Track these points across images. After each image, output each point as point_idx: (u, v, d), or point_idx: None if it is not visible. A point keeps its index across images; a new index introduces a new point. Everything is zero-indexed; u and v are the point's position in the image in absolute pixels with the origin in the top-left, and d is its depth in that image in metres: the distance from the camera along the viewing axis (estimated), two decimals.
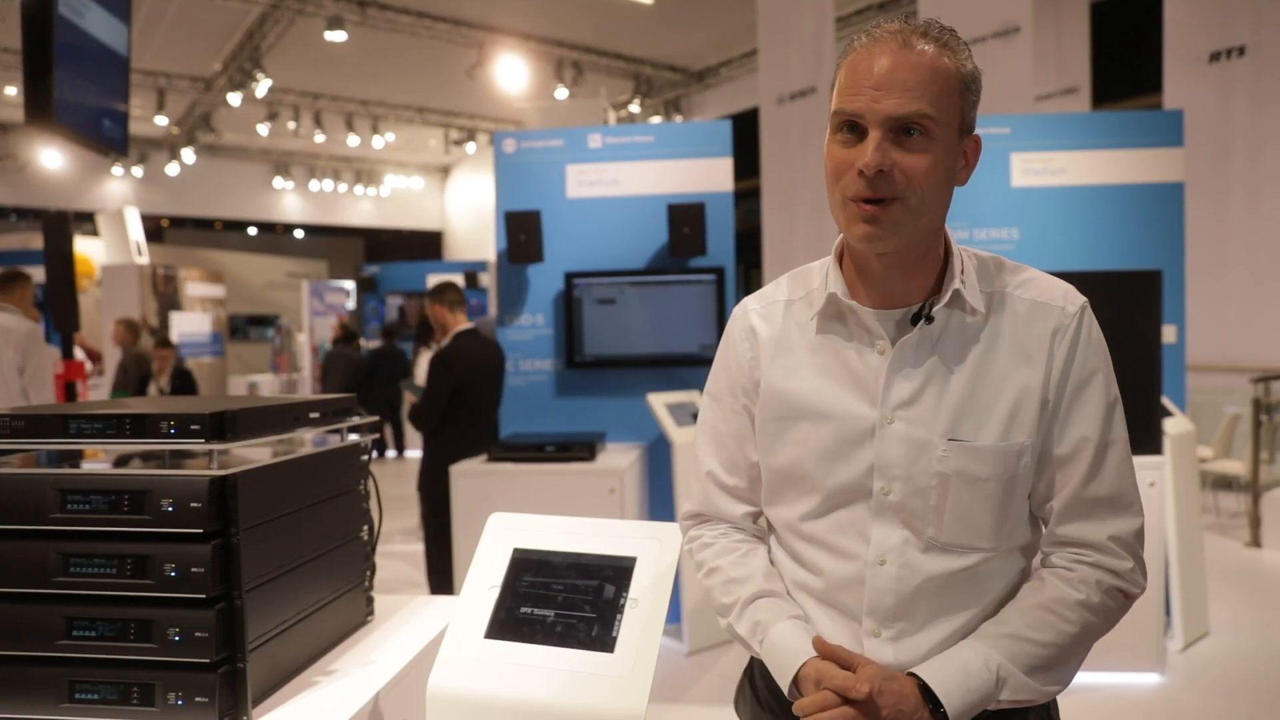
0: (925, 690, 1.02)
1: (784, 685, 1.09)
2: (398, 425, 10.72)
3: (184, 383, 7.65)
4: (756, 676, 1.25)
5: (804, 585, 1.16)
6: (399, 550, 6.03)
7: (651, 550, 1.28)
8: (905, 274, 1.11)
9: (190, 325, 10.85)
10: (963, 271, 1.11)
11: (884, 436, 1.09)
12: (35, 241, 10.43)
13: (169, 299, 10.58)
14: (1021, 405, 1.07)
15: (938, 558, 1.08)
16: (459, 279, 9.95)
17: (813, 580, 1.15)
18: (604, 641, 1.19)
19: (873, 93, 1.01)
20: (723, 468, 1.25)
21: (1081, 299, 1.12)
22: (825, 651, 1.07)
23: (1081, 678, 3.70)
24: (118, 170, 15.36)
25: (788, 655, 1.09)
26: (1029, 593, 1.10)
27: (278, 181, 17.36)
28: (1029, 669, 1.04)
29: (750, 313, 1.24)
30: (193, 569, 1.09)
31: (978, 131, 1.10)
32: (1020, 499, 1.10)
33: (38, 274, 6.25)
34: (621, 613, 1.21)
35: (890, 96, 1.01)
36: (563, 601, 1.24)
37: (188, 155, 15.05)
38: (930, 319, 1.09)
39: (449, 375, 4.06)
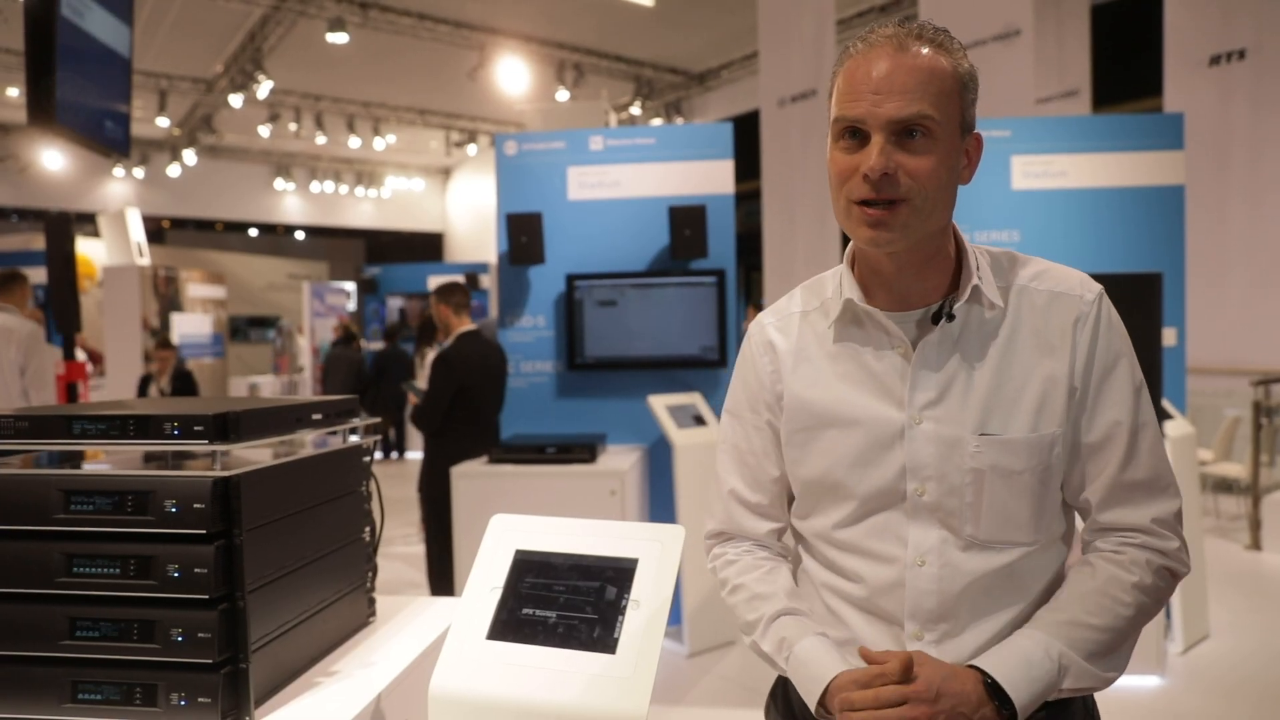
0: (989, 685, 0.99)
1: (811, 703, 1.08)
2: (401, 426, 10.73)
3: (184, 384, 7.65)
4: (791, 687, 1.24)
5: (843, 593, 1.15)
6: (399, 551, 6.03)
7: (653, 552, 1.29)
8: (917, 274, 1.11)
9: (191, 326, 10.85)
10: (978, 268, 1.11)
11: (913, 437, 1.09)
12: (37, 242, 10.45)
13: (170, 300, 10.58)
14: (1049, 395, 1.07)
15: (978, 555, 1.08)
16: (460, 281, 9.96)
17: (852, 588, 1.14)
18: (606, 643, 1.19)
19: (873, 97, 1.02)
20: (746, 485, 1.25)
21: (1098, 286, 1.12)
22: (869, 657, 1.05)
23: None
24: (119, 171, 15.38)
25: (815, 672, 1.08)
26: (1081, 578, 1.08)
27: (279, 183, 17.38)
28: (1089, 655, 1.02)
29: (766, 327, 1.24)
30: (196, 570, 1.09)
31: (978, 131, 1.11)
32: (1054, 490, 1.09)
33: (39, 275, 6.26)
34: (623, 614, 1.22)
35: (891, 100, 1.01)
36: (564, 603, 1.24)
37: (189, 156, 15.08)
38: (951, 317, 1.09)
39: (451, 376, 4.06)
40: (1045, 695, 1.01)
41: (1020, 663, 1.01)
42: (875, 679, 1.01)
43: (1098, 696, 1.13)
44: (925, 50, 1.03)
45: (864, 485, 1.11)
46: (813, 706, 1.08)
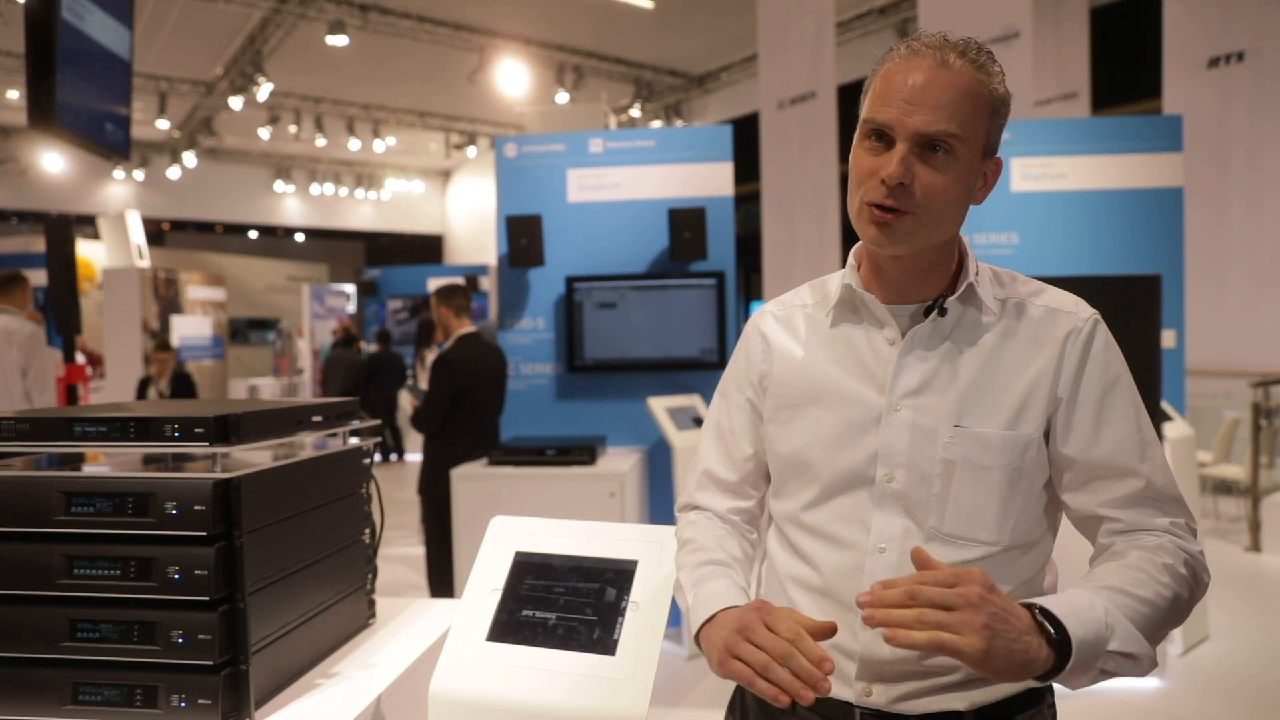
0: (1041, 613, 0.92)
1: (694, 626, 1.06)
2: (395, 430, 10.74)
3: (183, 386, 7.64)
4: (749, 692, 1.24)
5: (800, 579, 1.16)
6: (399, 553, 6.03)
7: (652, 553, 1.29)
8: (919, 276, 1.14)
9: (191, 328, 10.85)
10: (977, 274, 1.13)
11: (890, 424, 1.10)
12: (37, 245, 10.45)
13: (170, 302, 10.58)
14: (1031, 398, 1.08)
15: (939, 549, 1.08)
16: (461, 283, 9.97)
17: (809, 574, 1.15)
18: (605, 644, 1.19)
19: (905, 106, 1.04)
20: (720, 463, 1.27)
21: (1094, 310, 1.14)
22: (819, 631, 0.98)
23: None
24: (119, 174, 15.39)
25: (708, 598, 1.07)
26: (1113, 559, 1.04)
27: (279, 185, 17.39)
28: (1133, 622, 0.96)
29: (767, 314, 1.28)
30: (196, 571, 1.09)
31: (999, 156, 1.13)
32: (1026, 494, 1.09)
33: (40, 277, 6.27)
34: (623, 615, 1.22)
35: (921, 112, 1.03)
36: (564, 604, 1.25)
37: (189, 159, 15.09)
38: (944, 311, 1.11)
39: (452, 377, 4.07)
40: (1095, 648, 0.92)
41: (1069, 603, 0.94)
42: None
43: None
44: (965, 68, 1.05)
45: (835, 466, 1.13)
46: (694, 629, 1.06)
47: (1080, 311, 1.12)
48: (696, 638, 1.07)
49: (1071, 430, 1.09)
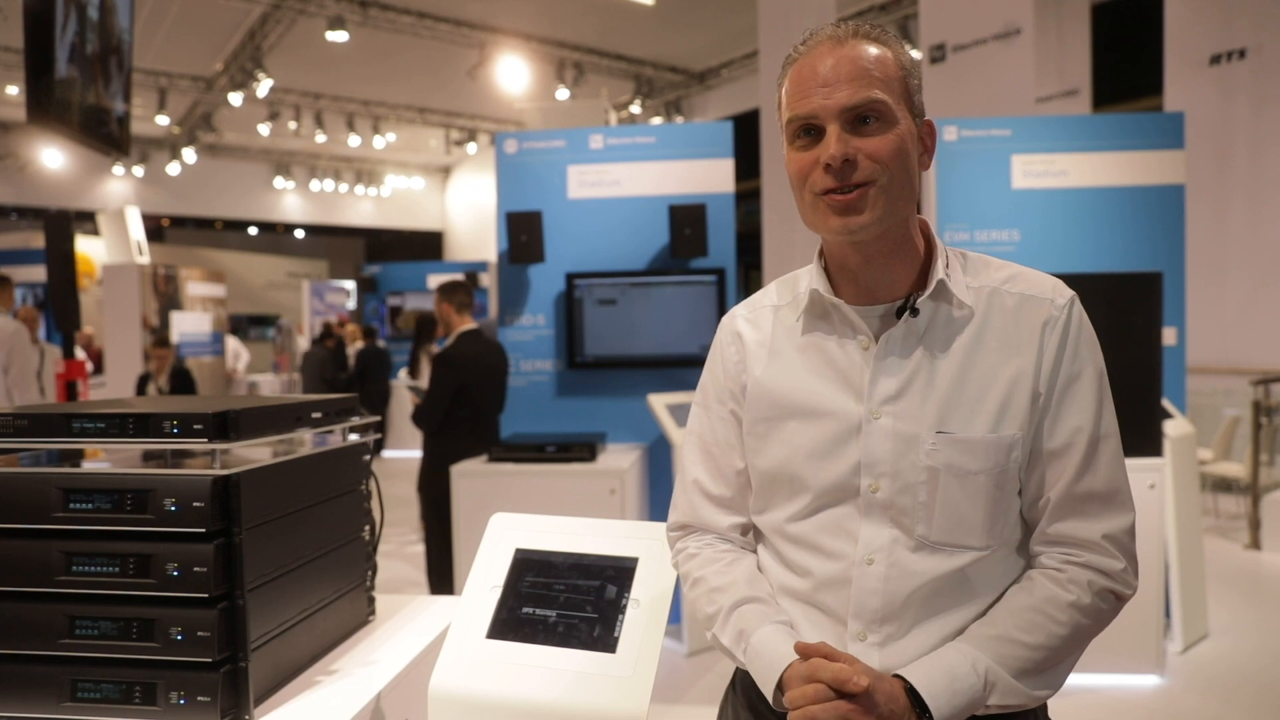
0: (911, 693, 0.99)
1: (768, 692, 1.05)
2: (383, 424, 10.79)
3: (182, 382, 7.64)
4: (739, 687, 1.22)
5: (789, 588, 1.14)
6: (398, 550, 6.03)
7: (653, 551, 1.29)
8: (884, 267, 1.10)
9: (191, 325, 10.83)
10: (947, 265, 1.10)
11: (870, 433, 1.07)
12: (36, 241, 10.45)
13: (170, 298, 10.56)
14: (1012, 397, 1.05)
15: (928, 558, 1.06)
16: (462, 279, 9.98)
17: (797, 582, 1.12)
18: (606, 642, 1.19)
19: (822, 90, 1.03)
20: (709, 476, 1.23)
21: (1070, 292, 1.11)
22: (808, 651, 1.02)
23: (1081, 679, 3.62)
24: (119, 170, 15.38)
25: (771, 661, 1.05)
26: (1018, 594, 1.06)
27: (278, 181, 17.38)
28: (1018, 672, 1.01)
29: (737, 318, 1.24)
30: (195, 568, 1.09)
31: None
32: (1012, 494, 1.07)
33: (39, 273, 6.27)
34: (623, 613, 1.22)
35: (840, 89, 1.03)
36: (565, 602, 1.24)
37: (189, 155, 15.08)
38: (915, 311, 1.07)
39: (453, 374, 4.06)
40: (969, 709, 1.00)
41: (943, 674, 1.00)
42: (816, 673, 0.99)
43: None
44: (864, 43, 1.06)
45: (819, 479, 1.10)
46: (770, 698, 1.05)
47: (1056, 297, 1.09)
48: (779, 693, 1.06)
49: (1037, 421, 1.07)
